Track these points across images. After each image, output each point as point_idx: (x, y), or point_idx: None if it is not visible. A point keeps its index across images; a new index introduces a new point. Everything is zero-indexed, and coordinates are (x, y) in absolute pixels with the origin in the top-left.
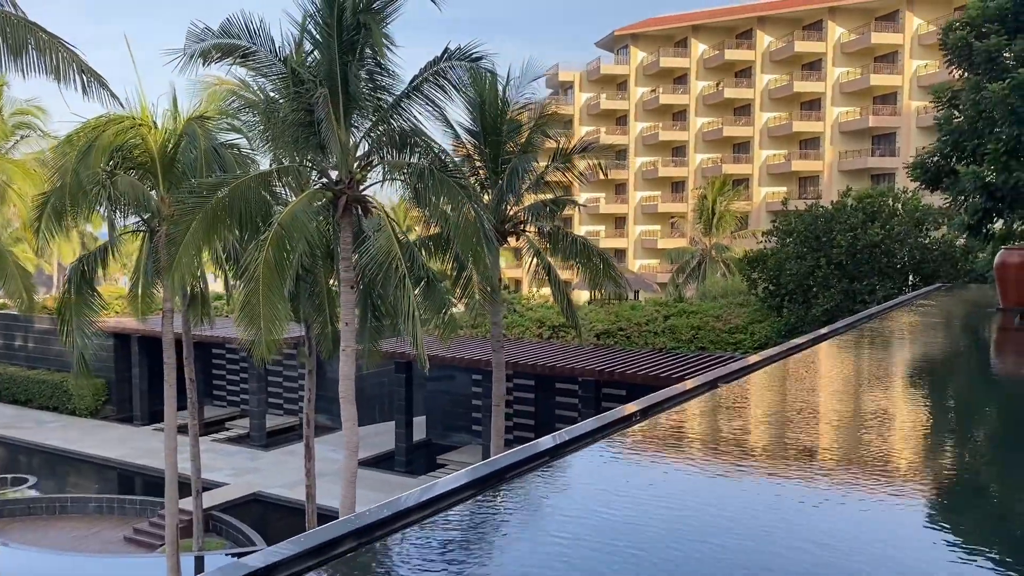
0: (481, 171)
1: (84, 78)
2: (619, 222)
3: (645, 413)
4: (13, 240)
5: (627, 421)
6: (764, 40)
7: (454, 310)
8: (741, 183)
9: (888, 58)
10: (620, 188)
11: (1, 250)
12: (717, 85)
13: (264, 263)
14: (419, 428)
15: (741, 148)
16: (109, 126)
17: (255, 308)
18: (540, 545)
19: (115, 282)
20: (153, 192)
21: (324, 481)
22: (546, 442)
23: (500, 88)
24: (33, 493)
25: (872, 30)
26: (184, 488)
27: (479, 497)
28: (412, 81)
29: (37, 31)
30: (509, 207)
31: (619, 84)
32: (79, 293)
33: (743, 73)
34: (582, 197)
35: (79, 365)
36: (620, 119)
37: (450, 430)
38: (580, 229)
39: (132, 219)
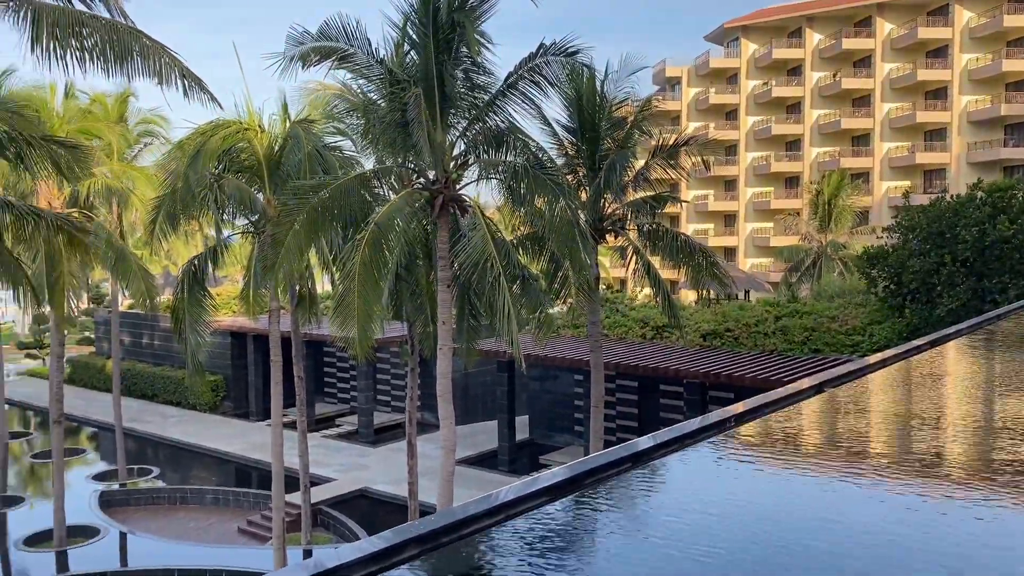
0: (579, 168)
1: (185, 82)
2: (729, 219)
3: (748, 415)
4: (141, 244)
5: (729, 423)
6: (884, 27)
7: (553, 310)
8: (860, 177)
9: (1021, 42)
10: (730, 184)
11: (125, 253)
12: (834, 76)
13: (360, 263)
14: (522, 428)
15: (860, 140)
16: (217, 131)
17: (350, 307)
18: (636, 545)
19: (235, 283)
20: (260, 195)
21: (428, 479)
22: (644, 442)
23: (598, 83)
24: (157, 484)
25: (1004, 12)
26: (295, 483)
27: (576, 495)
28: (507, 78)
29: (141, 37)
30: (607, 205)
31: (729, 78)
32: (191, 293)
33: (862, 63)
34: (690, 194)
35: (192, 363)
36: (730, 113)
37: (553, 430)
38: (687, 227)
39: (242, 221)
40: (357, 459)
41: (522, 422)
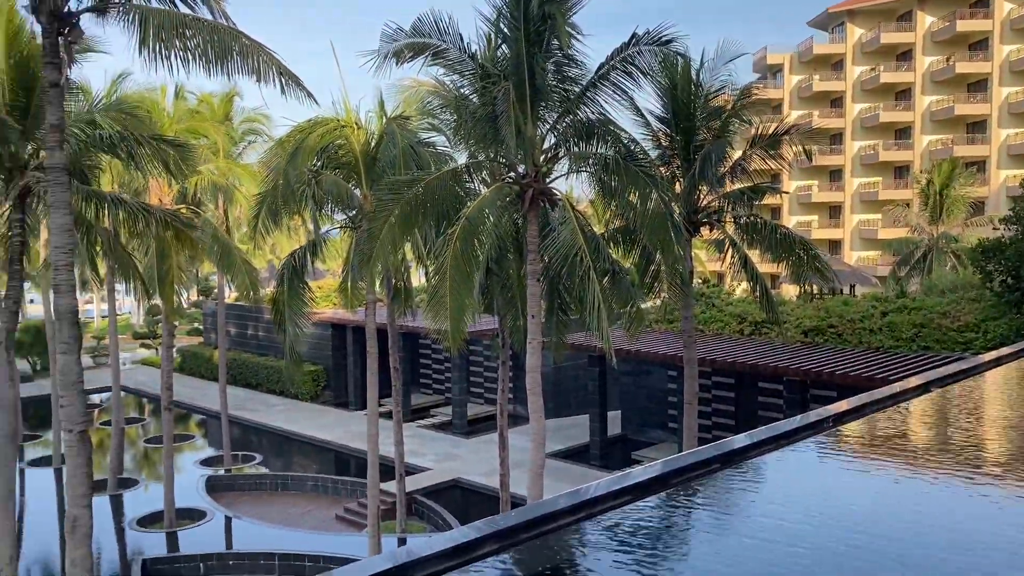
0: (673, 159)
1: (282, 79)
2: (834, 211)
3: (850, 415)
4: (246, 239)
5: (828, 423)
6: (1003, 7)
7: (645, 304)
8: (974, 166)
9: None
10: (835, 174)
11: (230, 247)
12: (947, 60)
13: (451, 256)
14: (615, 423)
15: (976, 128)
16: (316, 128)
17: (442, 300)
18: (728, 546)
19: (336, 276)
20: (357, 190)
21: (520, 471)
22: (740, 440)
23: (693, 72)
24: (261, 470)
25: None
26: (391, 471)
27: (667, 492)
28: (599, 69)
29: (240, 37)
30: (702, 196)
31: (834, 64)
32: (290, 286)
33: (978, 46)
34: (792, 185)
35: (290, 353)
36: (835, 101)
37: (646, 426)
38: (790, 219)
39: (340, 216)
40: (451, 449)
41: (614, 417)
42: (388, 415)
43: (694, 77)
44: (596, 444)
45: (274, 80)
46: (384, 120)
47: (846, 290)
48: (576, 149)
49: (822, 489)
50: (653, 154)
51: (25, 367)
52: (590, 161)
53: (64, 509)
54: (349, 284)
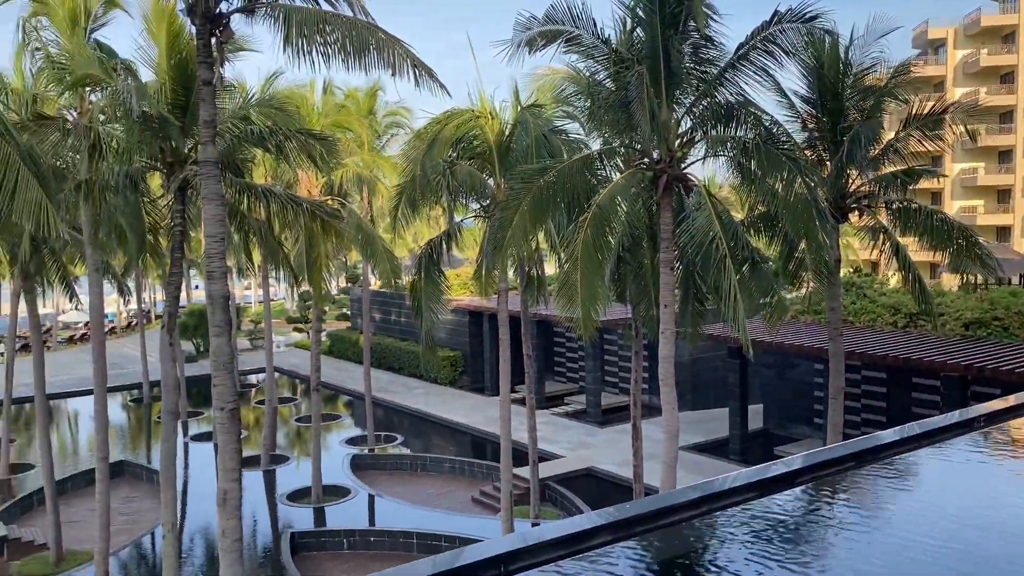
0: (818, 142)
1: (416, 72)
2: (1002, 195)
3: (1007, 414)
4: (389, 228)
5: (980, 421)
6: None
7: (790, 295)
8: None
9: None
10: (1004, 155)
11: (373, 236)
12: None
13: (582, 243)
14: (756, 417)
15: None
16: (451, 120)
17: (574, 287)
18: (871, 544)
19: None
20: (490, 179)
21: (654, 462)
22: (887, 436)
23: (841, 49)
24: (402, 451)
25: None
26: (523, 457)
27: (806, 486)
28: (738, 50)
29: (377, 32)
30: (851, 181)
31: (1004, 36)
32: (427, 274)
33: None
34: (954, 168)
35: (426, 339)
36: (1005, 76)
37: (789, 421)
38: (952, 204)
39: (475, 205)
40: (584, 438)
41: (756, 411)
42: (523, 401)
43: (842, 55)
44: (736, 438)
45: (408, 73)
46: (518, 109)
47: (1015, 280)
48: (713, 133)
49: (976, 490)
50: (798, 137)
51: (190, 348)
52: (728, 145)
53: None
54: (483, 272)
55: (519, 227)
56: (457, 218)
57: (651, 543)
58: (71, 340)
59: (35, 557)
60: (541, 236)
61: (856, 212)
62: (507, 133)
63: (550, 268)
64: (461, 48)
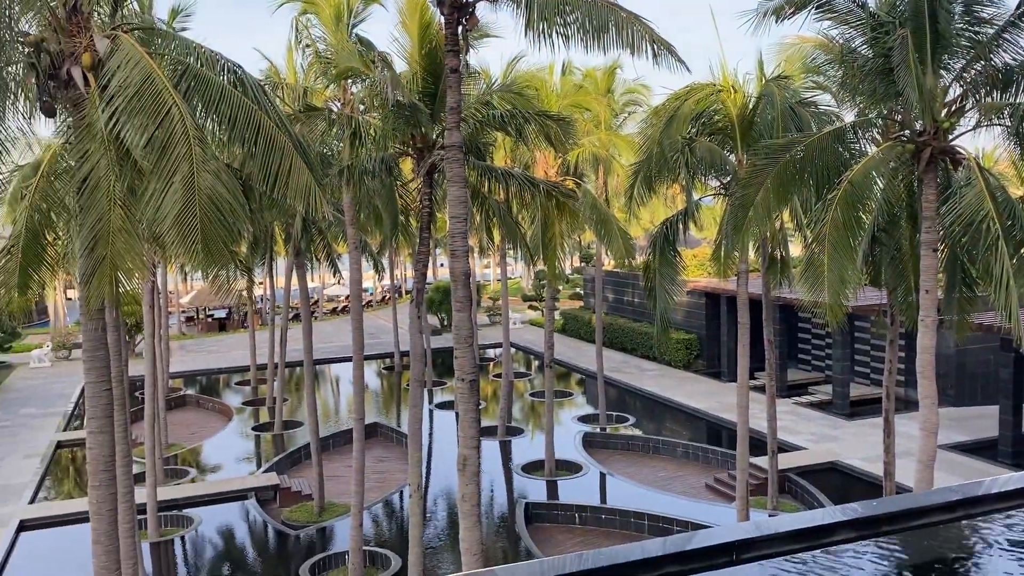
0: None
1: (654, 47)
2: None
3: None
4: (624, 208)
5: None
6: None
7: None
8: None
9: None
10: None
11: (607, 216)
12: None
13: (831, 223)
14: None
15: None
16: (691, 95)
17: (820, 270)
18: None
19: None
20: (731, 156)
21: (908, 460)
22: None
23: None
24: (634, 431)
25: None
26: (761, 446)
27: None
28: (1020, 5)
29: (617, 10)
30: None
31: None
32: (662, 255)
33: None
34: None
35: (660, 321)
36: None
37: None
38: None
39: (714, 183)
40: (828, 430)
41: None
42: (761, 388)
43: None
44: (1007, 440)
45: (647, 50)
46: (762, 82)
47: None
48: (987, 100)
49: None
50: None
51: (435, 322)
52: (1005, 113)
53: None
54: (722, 253)
55: (762, 205)
56: (695, 196)
57: (898, 545)
58: (333, 311)
59: (301, 506)
60: (786, 215)
61: None
62: (750, 107)
63: (795, 249)
64: (700, 22)
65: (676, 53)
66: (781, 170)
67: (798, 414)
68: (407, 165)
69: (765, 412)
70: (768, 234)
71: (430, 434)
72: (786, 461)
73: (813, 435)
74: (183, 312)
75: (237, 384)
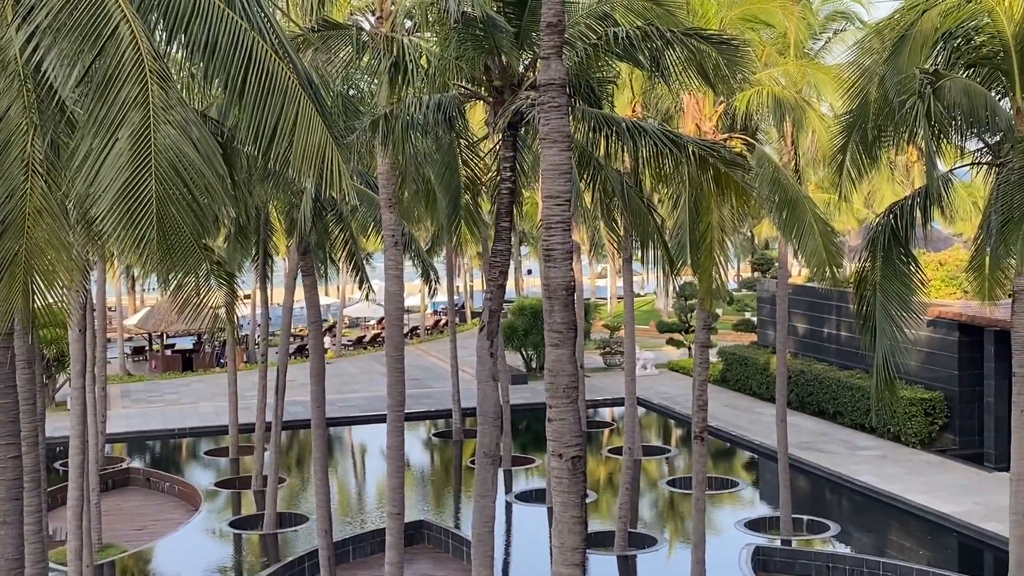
0: None
1: None
2: None
3: None
4: (825, 185)
5: None
6: None
7: None
8: None
9: None
10: None
11: (798, 197)
12: None
13: None
14: None
15: None
16: (934, 4)
17: None
18: None
19: (968, 245)
20: (1004, 101)
21: None
22: None
23: None
24: (837, 547)
25: None
26: None
27: None
28: None
29: None
30: None
31: None
32: (886, 261)
33: None
34: None
35: (882, 368)
36: None
37: None
38: None
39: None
40: None
41: None
42: None
43: None
44: None
45: None
46: None
47: None
48: None
49: None
50: None
51: (517, 362)
52: None
53: None
54: (986, 260)
55: None
56: (942, 167)
57: None
58: (359, 342)
59: None
60: None
61: None
62: None
63: None
64: None
65: None
66: None
67: None
68: (477, 114)
69: None
70: None
71: (507, 543)
72: None
73: None
74: (129, 340)
75: (208, 454)
